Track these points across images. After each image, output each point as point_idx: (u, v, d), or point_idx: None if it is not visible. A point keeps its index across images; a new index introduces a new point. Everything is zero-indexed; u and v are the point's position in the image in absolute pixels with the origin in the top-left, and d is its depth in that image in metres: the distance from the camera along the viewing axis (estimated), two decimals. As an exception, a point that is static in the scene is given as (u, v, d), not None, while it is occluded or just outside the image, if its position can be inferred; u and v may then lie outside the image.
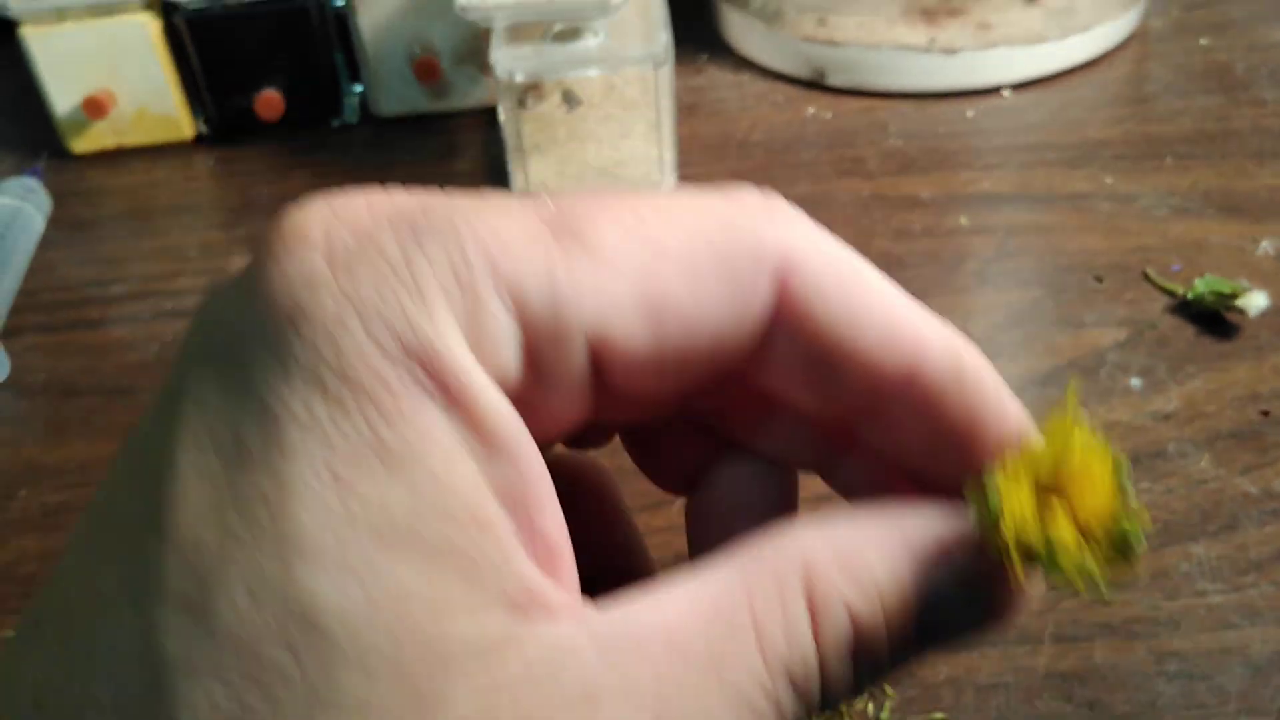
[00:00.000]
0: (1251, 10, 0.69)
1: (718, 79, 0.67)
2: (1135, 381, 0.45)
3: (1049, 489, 0.19)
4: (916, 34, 0.62)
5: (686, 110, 0.64)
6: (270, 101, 0.62)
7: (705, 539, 0.24)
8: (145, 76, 0.62)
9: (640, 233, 0.19)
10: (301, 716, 0.16)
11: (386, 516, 0.17)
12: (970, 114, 0.62)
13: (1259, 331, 0.46)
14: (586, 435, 0.25)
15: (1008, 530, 0.18)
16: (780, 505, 0.24)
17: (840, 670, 0.19)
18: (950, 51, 0.62)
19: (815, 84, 0.65)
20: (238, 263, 0.55)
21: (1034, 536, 0.18)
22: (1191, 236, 0.51)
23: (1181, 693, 0.34)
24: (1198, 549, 0.38)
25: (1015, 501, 0.18)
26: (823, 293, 0.20)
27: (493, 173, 0.60)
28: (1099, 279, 0.50)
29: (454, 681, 0.17)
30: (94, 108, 0.61)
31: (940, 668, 0.35)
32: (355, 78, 0.64)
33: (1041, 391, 0.44)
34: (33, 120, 0.64)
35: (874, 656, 0.19)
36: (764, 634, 0.18)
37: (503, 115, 0.55)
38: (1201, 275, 0.48)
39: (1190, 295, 0.47)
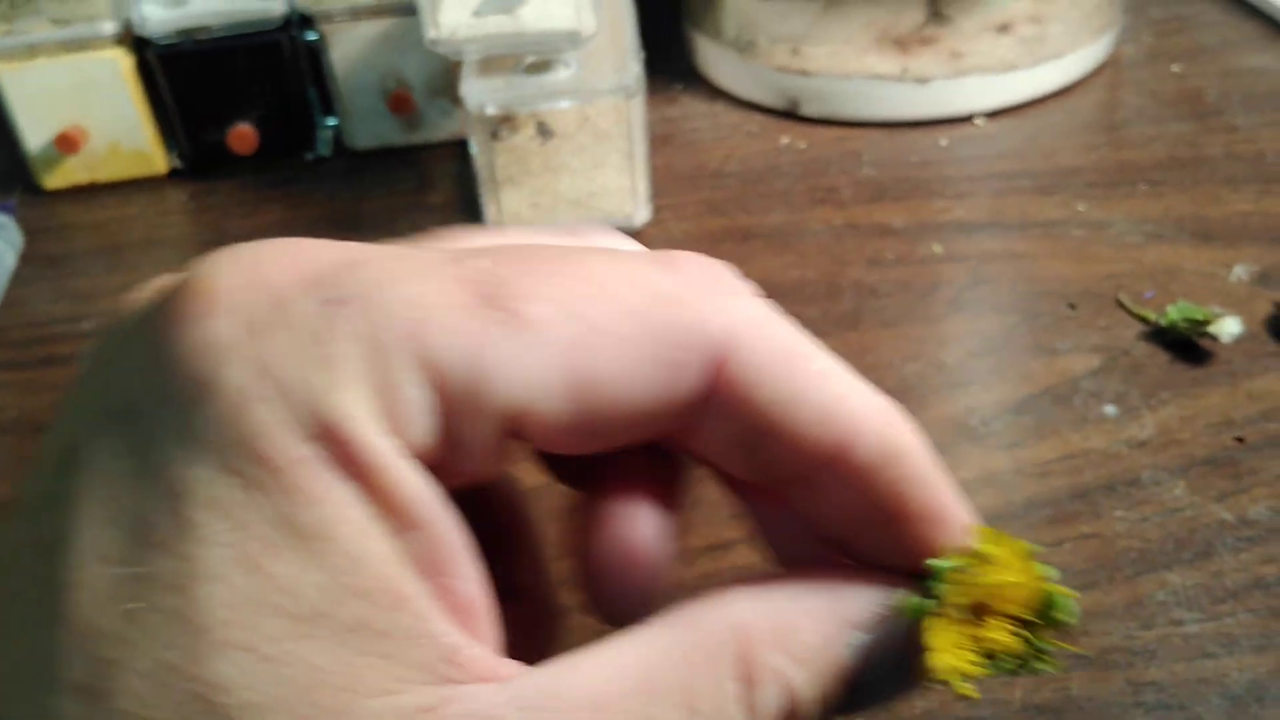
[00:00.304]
0: (1224, 37, 0.69)
1: (692, 109, 0.67)
2: (1109, 409, 0.44)
3: (979, 595, 0.19)
4: (889, 63, 0.62)
5: (661, 140, 0.64)
6: (243, 135, 0.62)
7: (597, 532, 0.24)
8: (118, 112, 0.62)
9: (572, 306, 0.19)
10: None
11: (298, 599, 0.16)
12: (943, 142, 0.62)
13: (1232, 357, 0.46)
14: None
15: (938, 639, 0.19)
16: (673, 490, 0.24)
17: None
18: (922, 80, 0.62)
19: (789, 114, 0.65)
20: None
21: (970, 652, 0.19)
22: (1164, 263, 0.51)
23: (1158, 724, 0.34)
24: (1173, 577, 0.38)
25: (946, 631, 0.19)
26: (759, 375, 0.20)
27: (466, 205, 0.60)
28: (1072, 306, 0.50)
29: None
30: (66, 143, 0.61)
31: (915, 702, 0.35)
32: (328, 111, 0.64)
33: (1015, 419, 0.44)
34: (4, 156, 0.64)
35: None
36: (693, 707, 0.18)
37: (475, 147, 0.54)
38: (1175, 302, 0.48)
39: (1163, 322, 0.47)
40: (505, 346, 0.18)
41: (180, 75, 0.61)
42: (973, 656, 0.19)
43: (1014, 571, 0.19)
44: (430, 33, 0.52)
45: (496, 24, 0.53)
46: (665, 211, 0.58)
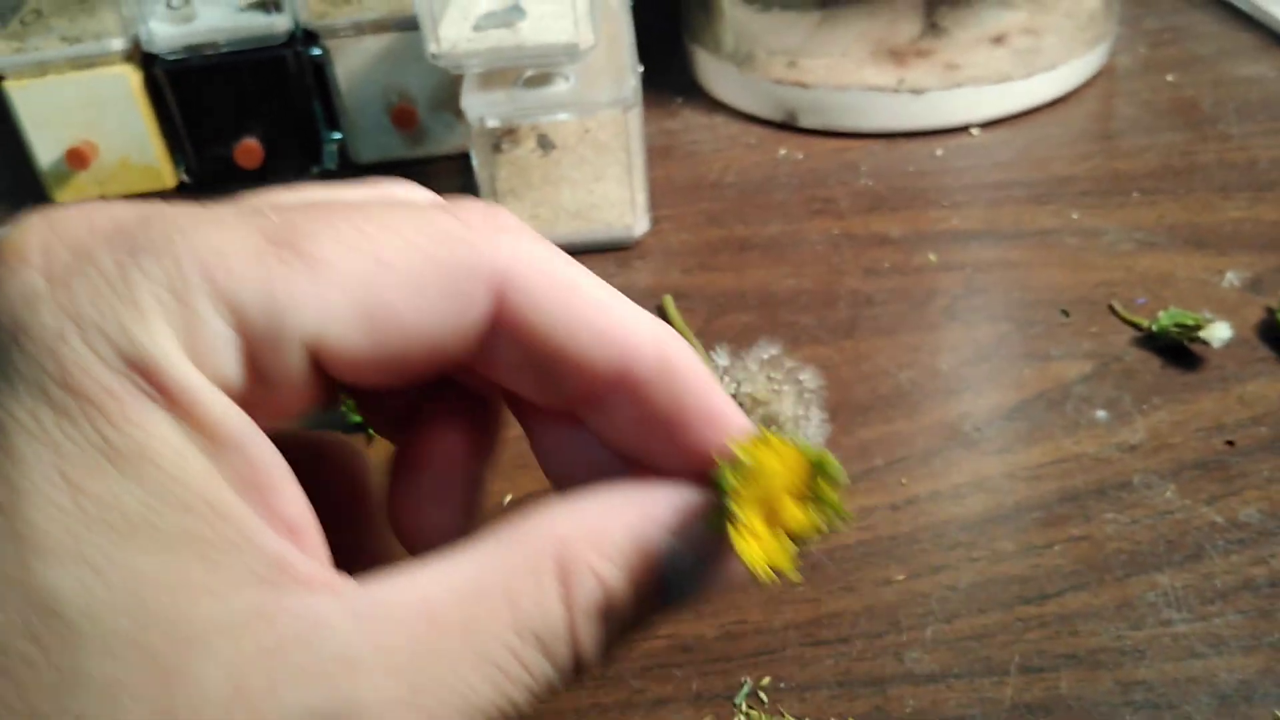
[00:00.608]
0: (1218, 46, 0.70)
1: (691, 121, 0.68)
2: (1101, 414, 0.45)
3: (761, 482, 0.21)
4: (885, 75, 0.63)
5: (661, 152, 0.65)
6: (250, 150, 0.63)
7: (410, 479, 0.25)
8: (126, 127, 0.63)
9: (360, 246, 0.20)
10: (50, 699, 0.17)
11: (120, 512, 0.18)
12: (939, 152, 0.62)
13: (1224, 363, 0.47)
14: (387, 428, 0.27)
15: (738, 529, 0.21)
16: (483, 437, 0.26)
17: (590, 631, 0.21)
18: (918, 92, 0.63)
19: (787, 125, 0.66)
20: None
21: (771, 537, 0.21)
22: (1157, 270, 0.52)
23: (1148, 722, 0.34)
24: (1163, 579, 0.39)
25: (744, 498, 0.21)
26: (537, 302, 0.21)
27: (469, 217, 0.61)
28: (1065, 313, 0.50)
29: (202, 659, 0.18)
30: (77, 159, 0.62)
31: (907, 701, 0.36)
32: (333, 125, 0.65)
33: (1008, 424, 0.45)
34: (17, 172, 0.65)
35: (621, 617, 0.21)
36: (515, 604, 0.20)
37: (476, 160, 0.55)
38: (1166, 308, 0.48)
39: (1155, 328, 0.48)
40: (297, 281, 0.19)
41: (188, 91, 0.62)
42: (775, 541, 0.21)
43: (786, 455, 0.21)
44: (431, 47, 0.53)
45: (497, 38, 0.54)
46: (664, 222, 0.59)
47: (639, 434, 0.23)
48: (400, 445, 0.25)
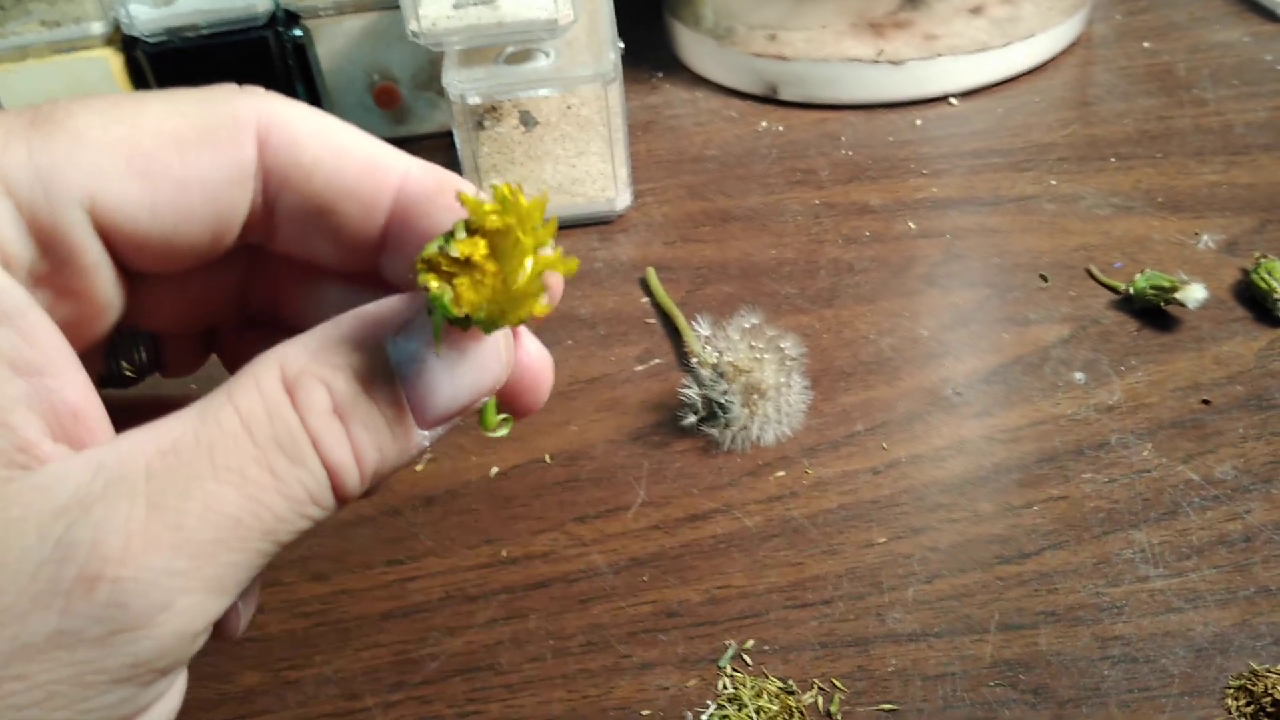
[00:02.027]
0: (1193, 13, 0.70)
1: (672, 96, 0.68)
2: (1079, 376, 0.46)
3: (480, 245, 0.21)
4: (864, 47, 0.63)
5: (642, 127, 0.65)
6: (232, 132, 0.63)
7: None
8: (108, 111, 0.63)
9: (119, 116, 0.21)
10: None
11: None
12: (919, 122, 0.63)
13: (1200, 324, 0.47)
14: (181, 359, 0.27)
15: (432, 276, 0.20)
16: None
17: (332, 434, 0.21)
18: (897, 63, 0.63)
19: (768, 98, 0.66)
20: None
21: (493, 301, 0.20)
22: (1134, 234, 0.53)
23: (1125, 676, 0.35)
24: (1140, 536, 0.39)
25: (457, 275, 0.20)
26: (300, 139, 0.22)
27: (452, 194, 0.61)
28: (1044, 278, 0.51)
29: None
30: (58, 143, 0.62)
31: (889, 660, 0.36)
32: (316, 106, 0.65)
33: (987, 388, 0.45)
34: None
35: (367, 421, 0.21)
36: (250, 422, 0.20)
37: (458, 137, 0.56)
38: (1143, 271, 0.49)
39: (1132, 290, 0.48)
40: (59, 147, 0.20)
41: (169, 73, 0.62)
42: (503, 293, 0.20)
43: (509, 213, 0.21)
44: (412, 25, 0.53)
45: (476, 15, 0.54)
46: (647, 196, 0.59)
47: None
48: None
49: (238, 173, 0.22)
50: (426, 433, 0.22)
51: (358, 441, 0.21)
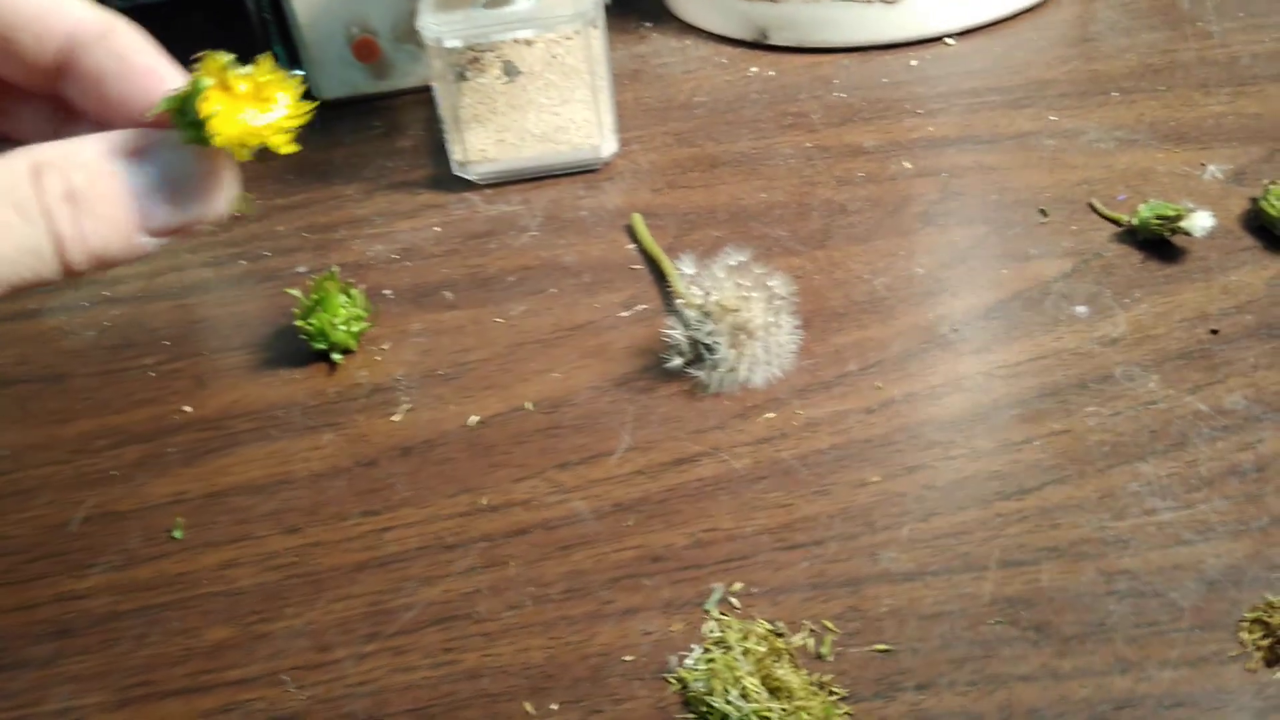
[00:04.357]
0: (1198, -51, 0.68)
1: (661, 45, 0.66)
2: (1081, 309, 0.44)
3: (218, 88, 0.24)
4: (856, -14, 0.61)
5: (630, 76, 0.63)
6: (209, 91, 0.61)
7: None
8: (81, 72, 0.61)
9: None
10: None
11: None
12: (914, 63, 0.61)
13: (1207, 254, 0.45)
14: None
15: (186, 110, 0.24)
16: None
17: (64, 214, 0.24)
18: (892, 2, 0.61)
19: (758, 44, 0.64)
20: (183, 253, 0.54)
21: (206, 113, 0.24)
22: (1137, 167, 0.51)
23: (1133, 610, 0.33)
24: (1147, 468, 0.37)
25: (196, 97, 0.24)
26: None
27: (435, 147, 0.59)
28: (1044, 213, 0.49)
29: None
30: (32, 107, 0.61)
31: (883, 600, 0.34)
32: (295, 62, 0.64)
33: (985, 324, 0.43)
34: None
35: (97, 211, 0.24)
36: None
37: (437, 86, 0.54)
38: (1147, 202, 0.47)
39: (1136, 221, 0.46)
40: None
41: (144, 29, 0.60)
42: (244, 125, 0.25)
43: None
44: (384, -31, 0.52)
45: (451, -43, 0.52)
46: (634, 144, 0.57)
47: (102, 96, 0.26)
48: None
49: None
50: (150, 240, 0.25)
51: (84, 226, 0.24)
